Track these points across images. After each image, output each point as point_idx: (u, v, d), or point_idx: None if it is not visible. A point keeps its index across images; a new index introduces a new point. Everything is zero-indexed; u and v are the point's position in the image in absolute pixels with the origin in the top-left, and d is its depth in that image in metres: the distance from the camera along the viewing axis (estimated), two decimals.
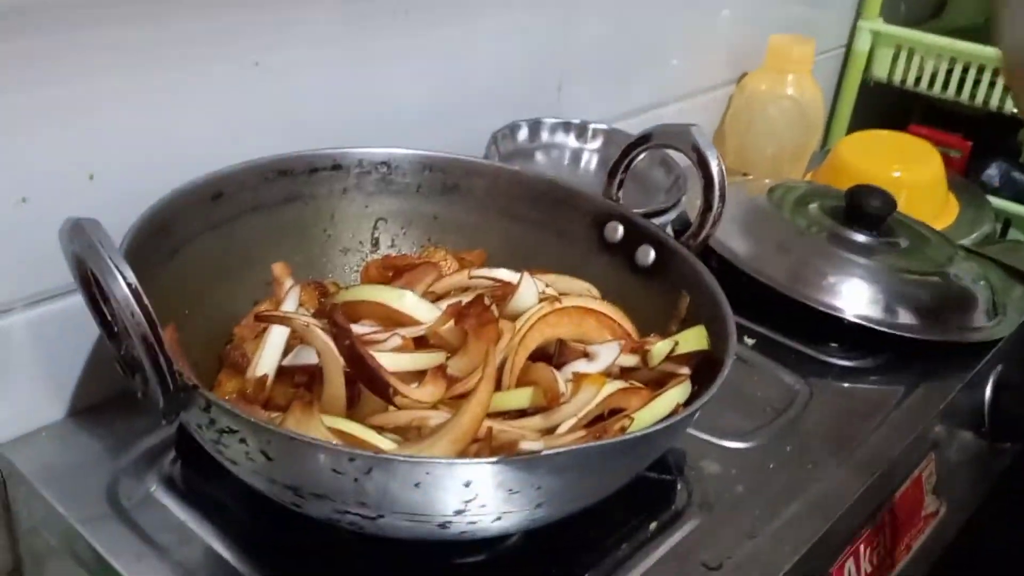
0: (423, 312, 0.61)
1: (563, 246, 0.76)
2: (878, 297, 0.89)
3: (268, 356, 0.60)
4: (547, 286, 0.68)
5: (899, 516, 0.77)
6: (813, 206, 1.00)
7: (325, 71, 0.77)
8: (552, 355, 0.62)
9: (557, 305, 0.63)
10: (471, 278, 0.68)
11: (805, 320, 0.88)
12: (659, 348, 0.61)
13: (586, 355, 0.60)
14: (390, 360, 0.56)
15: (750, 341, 0.88)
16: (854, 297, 0.89)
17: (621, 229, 0.74)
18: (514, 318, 0.63)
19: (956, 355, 0.89)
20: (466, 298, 0.63)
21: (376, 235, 0.78)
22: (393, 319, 0.62)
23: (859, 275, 0.91)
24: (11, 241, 0.63)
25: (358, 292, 0.63)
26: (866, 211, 0.96)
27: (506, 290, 0.65)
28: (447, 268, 0.73)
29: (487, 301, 0.60)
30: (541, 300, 0.64)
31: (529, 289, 0.64)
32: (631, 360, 0.62)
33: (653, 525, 0.66)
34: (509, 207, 0.77)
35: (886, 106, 1.50)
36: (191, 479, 0.64)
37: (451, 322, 0.60)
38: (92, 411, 0.71)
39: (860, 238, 0.95)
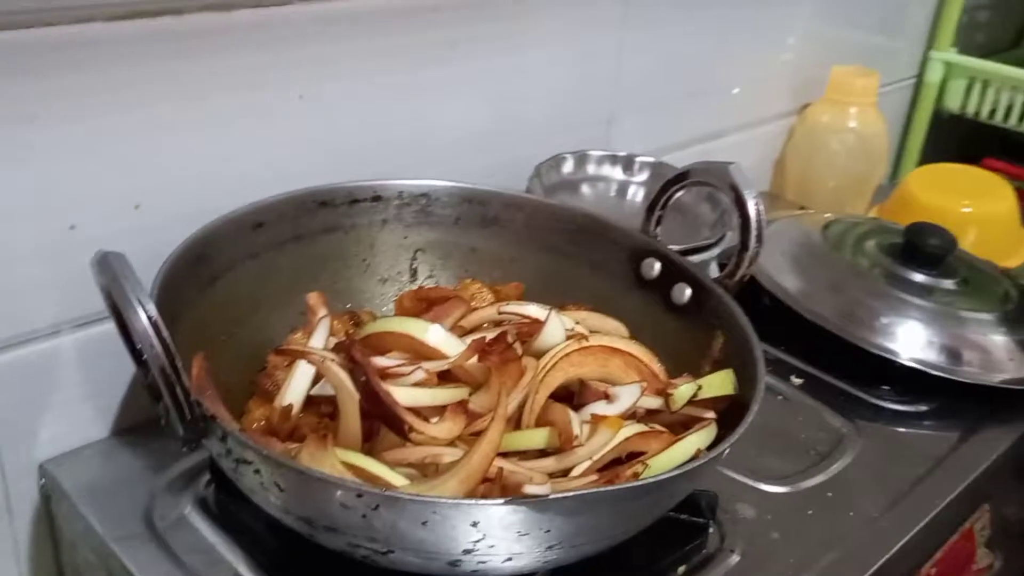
0: (449, 346, 0.61)
1: (599, 281, 0.75)
2: (934, 339, 0.87)
3: (295, 386, 0.61)
4: (576, 323, 0.67)
5: (947, 570, 0.74)
6: (870, 243, 0.98)
7: (368, 103, 0.79)
8: (573, 394, 0.61)
9: (583, 344, 0.62)
10: (500, 313, 0.68)
11: (856, 361, 0.85)
12: (681, 392, 0.59)
13: (607, 396, 0.59)
14: (410, 395, 0.56)
15: (797, 380, 0.86)
16: (909, 339, 0.87)
17: (658, 266, 0.73)
18: (540, 355, 0.62)
19: (1016, 401, 0.85)
20: (494, 334, 0.63)
21: (414, 266, 0.78)
22: (420, 352, 0.62)
23: (915, 316, 0.88)
24: (60, 266, 0.65)
25: (385, 324, 0.64)
26: (925, 250, 0.93)
27: (534, 327, 0.65)
28: (482, 301, 0.73)
29: (511, 338, 0.60)
30: (568, 338, 0.64)
31: (555, 327, 0.64)
32: (655, 403, 0.61)
33: (682, 569, 0.65)
34: (547, 240, 0.77)
35: (959, 139, 1.46)
36: (223, 503, 0.65)
37: (475, 358, 0.60)
38: (134, 431, 0.73)
39: (918, 277, 0.92)
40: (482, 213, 0.78)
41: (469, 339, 0.63)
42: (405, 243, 0.78)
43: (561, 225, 0.77)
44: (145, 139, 0.67)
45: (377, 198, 0.76)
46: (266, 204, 0.70)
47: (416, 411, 0.55)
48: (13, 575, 0.71)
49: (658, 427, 0.60)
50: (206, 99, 0.69)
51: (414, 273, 0.78)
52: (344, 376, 0.55)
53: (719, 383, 0.61)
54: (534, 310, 0.67)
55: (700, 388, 0.60)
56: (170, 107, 0.67)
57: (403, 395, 0.55)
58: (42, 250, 0.64)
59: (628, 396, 0.59)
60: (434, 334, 0.62)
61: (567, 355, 0.61)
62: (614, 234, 0.76)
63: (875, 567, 0.67)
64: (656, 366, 0.65)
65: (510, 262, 0.78)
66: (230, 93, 0.70)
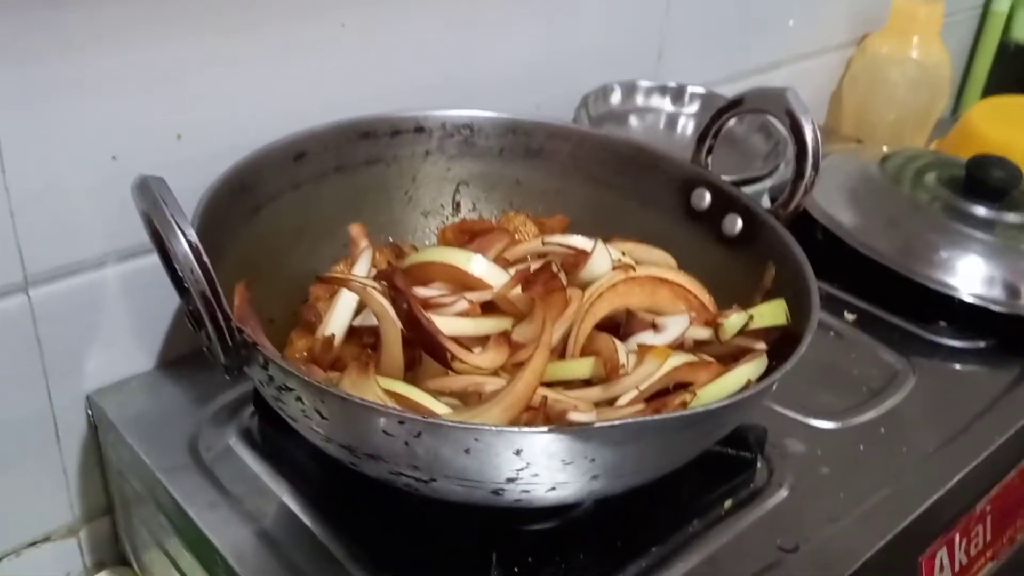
0: (492, 277, 0.60)
1: (647, 213, 0.73)
2: (995, 274, 0.84)
3: (338, 316, 0.60)
4: (623, 254, 0.66)
5: (1002, 507, 0.72)
6: (930, 176, 0.94)
7: (413, 33, 0.77)
8: (620, 325, 0.60)
9: (630, 274, 0.61)
10: (545, 244, 0.66)
11: (913, 297, 0.83)
12: (732, 322, 0.58)
13: (654, 326, 0.58)
14: (452, 324, 0.55)
15: (851, 317, 0.84)
16: (969, 274, 0.84)
17: (708, 196, 0.71)
18: (586, 286, 0.61)
19: None
20: (538, 265, 0.61)
21: (457, 199, 0.77)
22: (463, 283, 0.61)
23: (976, 251, 0.85)
24: (103, 197, 0.65)
25: (427, 254, 0.63)
26: (987, 182, 0.90)
27: (579, 258, 0.63)
28: (526, 234, 0.71)
29: (555, 268, 0.58)
30: (614, 269, 0.62)
31: (602, 257, 0.62)
32: (704, 333, 0.59)
33: (728, 503, 0.64)
34: (593, 172, 0.75)
35: None
36: (267, 434, 0.66)
37: (519, 288, 0.59)
38: (179, 363, 0.74)
39: (979, 211, 0.89)
40: (526, 144, 0.76)
41: (512, 271, 0.62)
42: (448, 175, 0.76)
43: (608, 156, 0.75)
44: (187, 70, 0.66)
45: (420, 129, 0.74)
46: (307, 134, 0.69)
47: (458, 341, 0.54)
48: (63, 504, 0.73)
49: (707, 358, 0.58)
50: (249, 30, 0.68)
51: (457, 206, 0.77)
52: (386, 304, 0.54)
53: (771, 313, 0.59)
54: (579, 241, 0.66)
55: (751, 318, 0.58)
56: (213, 38, 0.66)
57: (446, 324, 0.54)
58: (85, 181, 0.64)
59: (676, 326, 0.58)
60: (477, 264, 0.61)
61: (613, 285, 0.60)
62: (663, 164, 0.73)
63: (928, 503, 0.65)
64: (705, 297, 0.63)
65: (555, 194, 0.76)
66: (273, 23, 0.69)
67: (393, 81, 0.77)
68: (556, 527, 0.60)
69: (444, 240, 0.73)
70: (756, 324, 0.59)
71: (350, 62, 0.74)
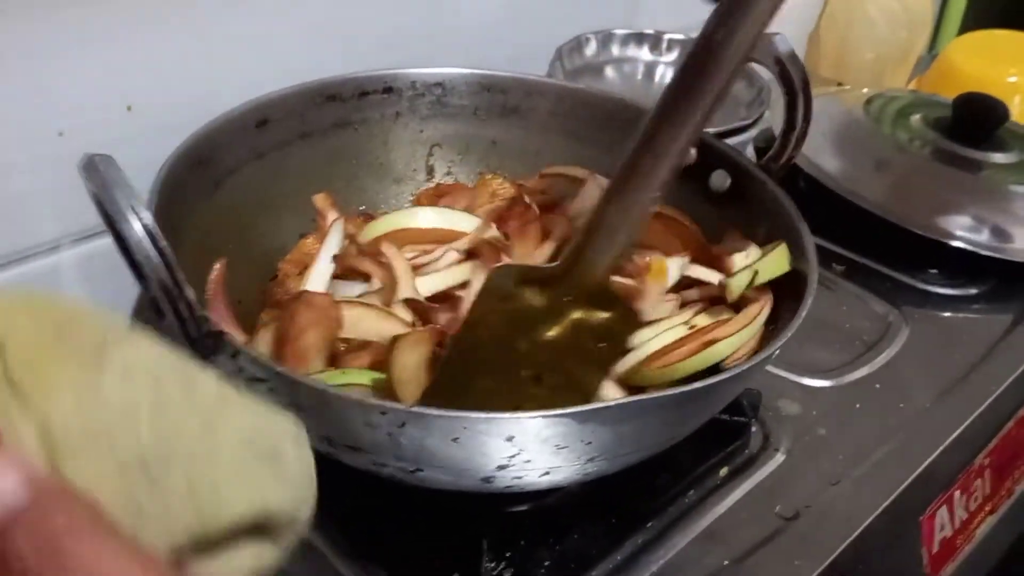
0: (461, 223, 0.58)
1: None
2: (985, 218, 0.82)
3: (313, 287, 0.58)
4: None
5: (1001, 459, 0.71)
6: (915, 118, 0.92)
7: None
8: None
9: None
10: (541, 176, 0.65)
11: (903, 245, 0.81)
12: (738, 280, 0.55)
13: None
14: (429, 283, 0.54)
15: (839, 267, 0.82)
16: (958, 219, 0.82)
17: (694, 152, 0.67)
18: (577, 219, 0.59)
19: None
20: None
21: (431, 162, 0.73)
22: (443, 240, 0.58)
23: (965, 194, 0.83)
24: (52, 176, 0.61)
25: (375, 228, 0.60)
26: (974, 122, 0.88)
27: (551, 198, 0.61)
28: (505, 196, 0.68)
29: (527, 200, 0.56)
30: None
31: (595, 190, 0.59)
32: (706, 274, 0.57)
33: (724, 471, 0.62)
34: (574, 129, 0.72)
35: (1004, 4, 1.37)
36: None
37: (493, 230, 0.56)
38: None
39: (967, 152, 0.87)
40: (502, 102, 0.72)
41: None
42: (420, 138, 0.73)
43: (588, 112, 0.72)
44: (135, 36, 0.62)
45: (388, 89, 0.70)
46: (269, 100, 0.65)
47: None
48: None
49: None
50: None
51: (431, 170, 0.74)
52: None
53: (774, 263, 0.57)
54: (575, 170, 0.64)
55: (756, 274, 0.56)
56: (161, 1, 0.62)
57: (424, 284, 0.52)
58: (31, 160, 0.60)
59: (675, 268, 0.55)
60: (424, 216, 0.58)
61: None
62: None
63: (928, 460, 0.64)
64: (699, 236, 0.61)
65: (535, 154, 0.72)
66: None
67: (356, 41, 0.73)
68: (547, 507, 0.57)
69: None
70: (761, 279, 0.57)
71: (309, 21, 0.70)
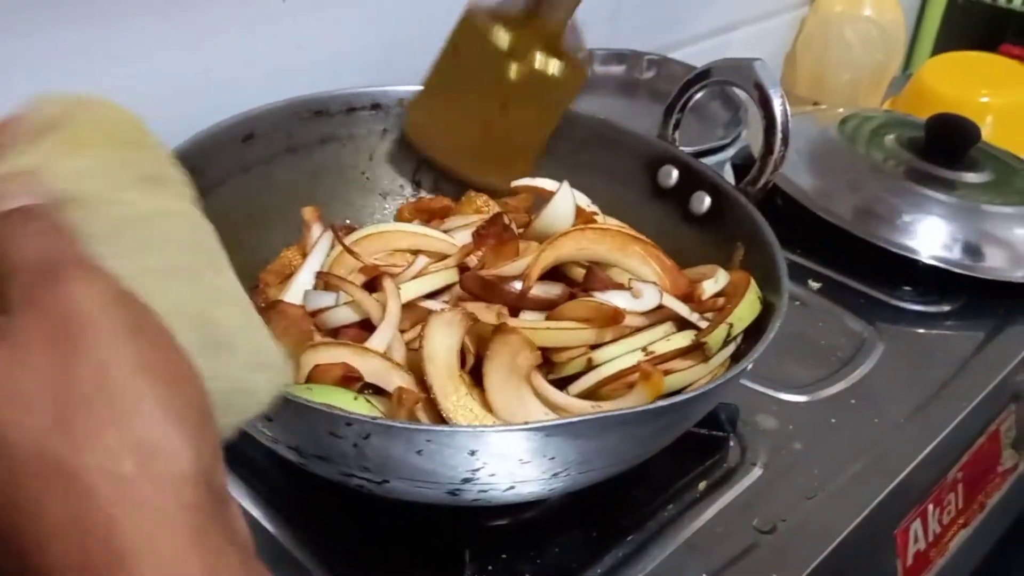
0: (436, 244, 0.60)
1: (613, 190, 0.71)
2: (957, 236, 0.83)
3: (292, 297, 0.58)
4: (591, 203, 0.66)
5: (973, 473, 0.72)
6: (889, 138, 0.94)
7: (359, 3, 0.74)
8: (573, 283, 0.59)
9: (601, 224, 0.59)
10: (513, 188, 0.68)
11: (876, 262, 0.82)
12: (715, 337, 0.56)
13: (629, 288, 0.57)
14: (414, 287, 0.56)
15: (815, 285, 0.83)
16: (931, 236, 0.83)
17: (676, 174, 0.69)
18: (542, 238, 0.60)
19: None
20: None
21: (418, 178, 0.74)
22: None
23: (937, 212, 0.85)
24: None
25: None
26: (947, 142, 0.89)
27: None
28: (488, 213, 0.69)
29: (506, 220, 0.57)
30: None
31: (566, 198, 0.61)
32: (682, 309, 0.57)
33: (702, 485, 0.63)
34: (556, 148, 0.73)
35: (976, 26, 1.40)
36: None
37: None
38: None
39: (940, 172, 0.89)
40: None
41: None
42: (407, 154, 0.73)
43: (571, 132, 0.73)
44: (122, 54, 0.62)
45: (376, 106, 0.71)
46: (256, 114, 0.66)
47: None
48: None
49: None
50: (184, 11, 0.64)
51: (417, 185, 0.74)
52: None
53: (747, 310, 0.57)
54: (546, 183, 0.66)
55: (732, 327, 0.56)
56: (148, 19, 0.62)
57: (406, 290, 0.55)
58: None
59: (651, 295, 0.56)
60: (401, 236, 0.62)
61: (582, 230, 0.59)
62: (629, 140, 0.71)
63: (903, 474, 0.65)
64: (672, 265, 0.61)
65: None
66: (209, 3, 0.65)
67: (343, 56, 0.74)
68: (527, 520, 0.58)
69: (401, 220, 0.70)
70: (736, 330, 0.57)
71: (294, 37, 0.71)
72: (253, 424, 0.48)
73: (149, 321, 0.28)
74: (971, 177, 0.89)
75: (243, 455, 0.60)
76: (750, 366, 0.51)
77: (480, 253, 0.57)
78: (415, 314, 0.56)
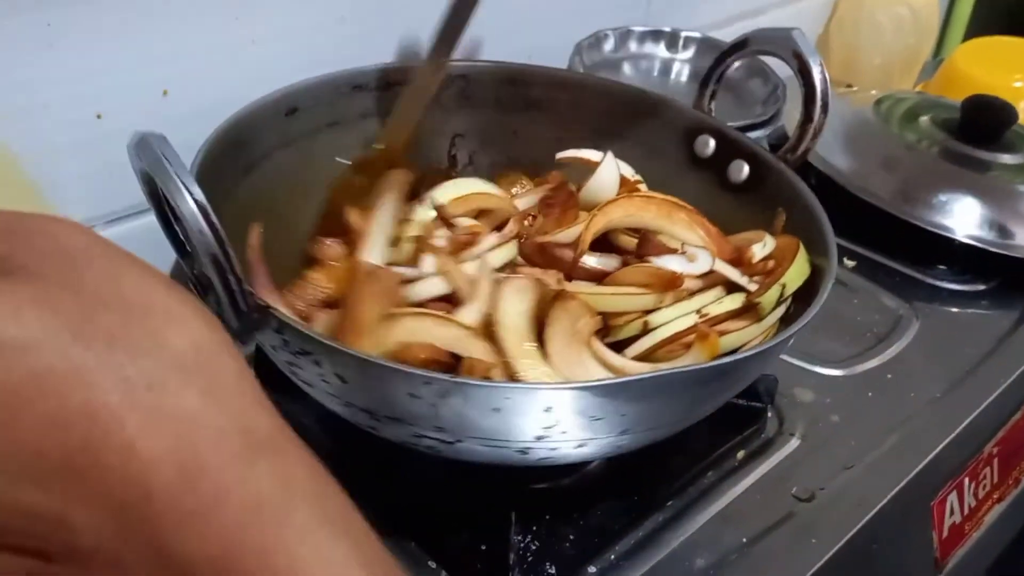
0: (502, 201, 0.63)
1: (651, 162, 0.72)
2: (993, 216, 0.83)
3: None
4: (635, 173, 0.67)
5: (1008, 448, 0.72)
6: (924, 119, 0.94)
7: None
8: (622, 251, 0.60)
9: (646, 192, 0.61)
10: (558, 160, 0.68)
11: (912, 241, 0.83)
12: (768, 297, 0.57)
13: (683, 253, 0.58)
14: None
15: (851, 263, 0.84)
16: (966, 216, 0.83)
17: (712, 143, 0.69)
18: (589, 207, 0.61)
19: None
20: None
21: (453, 152, 0.75)
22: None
23: (973, 192, 0.85)
24: (88, 158, 0.63)
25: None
26: (983, 123, 0.89)
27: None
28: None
29: (572, 187, 0.58)
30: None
31: (610, 169, 0.62)
32: (733, 274, 0.58)
33: (741, 454, 0.63)
34: (593, 121, 0.73)
35: (1009, 9, 1.39)
36: (270, 399, 0.64)
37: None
38: None
39: (975, 153, 0.89)
40: (524, 94, 0.74)
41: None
42: (443, 128, 0.74)
43: (608, 103, 0.73)
44: (172, 24, 0.63)
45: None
46: (299, 88, 0.66)
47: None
48: None
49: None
50: None
51: (453, 160, 0.75)
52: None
53: (798, 271, 0.58)
54: (591, 153, 0.66)
55: (784, 287, 0.57)
56: None
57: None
58: (70, 141, 0.61)
59: (705, 259, 0.57)
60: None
61: (629, 197, 0.60)
62: (666, 111, 0.72)
63: (939, 448, 0.65)
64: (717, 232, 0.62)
65: (554, 145, 0.73)
66: None
67: (380, 31, 0.74)
68: (571, 484, 0.59)
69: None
70: (789, 291, 0.58)
71: (336, 12, 0.72)
72: (323, 389, 0.49)
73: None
74: (1006, 158, 0.89)
75: (292, 420, 0.61)
76: (808, 320, 0.51)
77: (532, 219, 0.58)
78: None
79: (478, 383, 0.44)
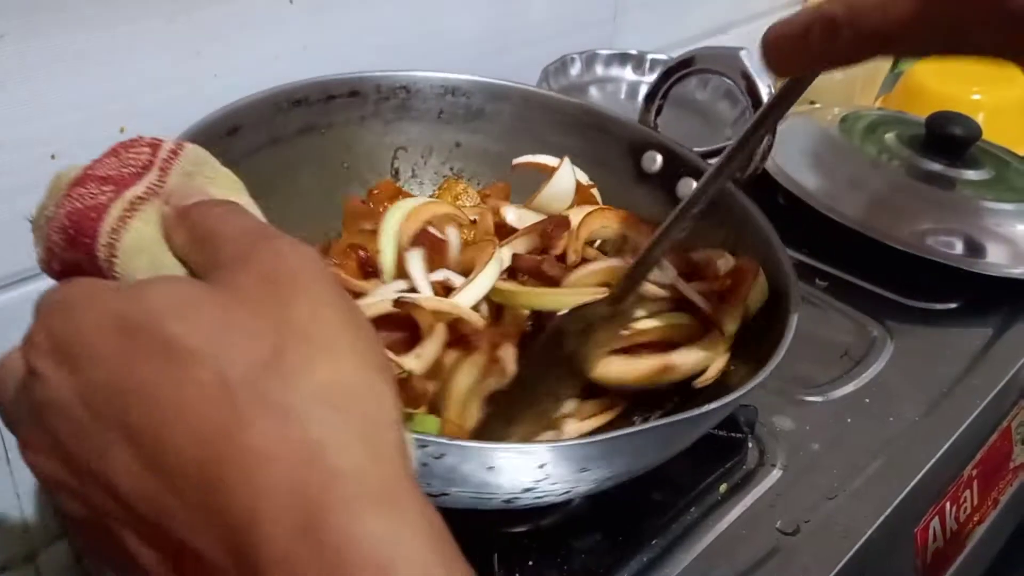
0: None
1: (597, 177, 0.70)
2: (961, 233, 0.83)
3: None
4: (589, 179, 0.67)
5: (987, 470, 0.72)
6: (889, 136, 0.94)
7: (364, 6, 0.73)
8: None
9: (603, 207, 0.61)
10: (513, 167, 0.68)
11: (881, 260, 0.82)
12: (729, 328, 0.57)
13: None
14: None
15: (822, 283, 0.83)
16: (934, 234, 0.83)
17: (659, 159, 0.69)
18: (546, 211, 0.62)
19: None
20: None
21: (396, 165, 0.73)
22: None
23: (939, 210, 0.85)
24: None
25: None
26: (948, 140, 0.90)
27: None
28: (467, 201, 0.69)
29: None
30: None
31: (567, 174, 0.62)
32: (696, 297, 0.58)
33: (723, 487, 0.62)
34: (538, 134, 0.72)
35: None
36: None
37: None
38: None
39: (941, 169, 0.89)
40: (466, 105, 0.72)
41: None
42: (385, 141, 0.72)
43: (553, 117, 0.72)
44: (133, 58, 0.61)
45: (354, 93, 0.69)
46: (239, 107, 0.63)
47: None
48: (17, 529, 0.68)
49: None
50: (191, 12, 0.63)
51: (396, 173, 0.73)
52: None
53: (758, 292, 0.58)
54: (547, 159, 0.66)
55: (747, 308, 0.56)
56: (158, 21, 0.61)
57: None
58: (24, 182, 0.59)
59: (670, 270, 0.58)
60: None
61: (602, 209, 0.61)
62: (611, 126, 0.70)
63: (921, 473, 0.65)
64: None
65: (498, 158, 0.72)
66: (217, 3, 0.64)
67: (345, 57, 0.73)
68: (549, 524, 0.58)
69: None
70: (750, 312, 0.57)
71: (301, 40, 0.70)
72: None
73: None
74: (971, 174, 0.89)
75: None
76: (779, 360, 0.50)
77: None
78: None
79: (476, 445, 0.43)
